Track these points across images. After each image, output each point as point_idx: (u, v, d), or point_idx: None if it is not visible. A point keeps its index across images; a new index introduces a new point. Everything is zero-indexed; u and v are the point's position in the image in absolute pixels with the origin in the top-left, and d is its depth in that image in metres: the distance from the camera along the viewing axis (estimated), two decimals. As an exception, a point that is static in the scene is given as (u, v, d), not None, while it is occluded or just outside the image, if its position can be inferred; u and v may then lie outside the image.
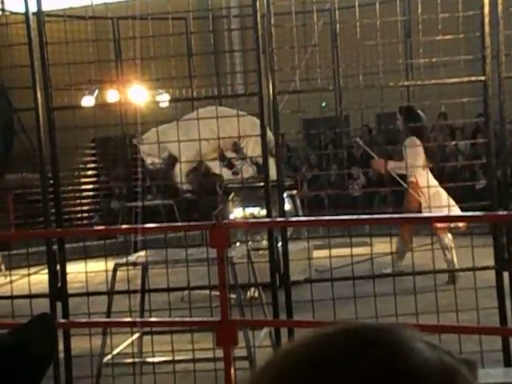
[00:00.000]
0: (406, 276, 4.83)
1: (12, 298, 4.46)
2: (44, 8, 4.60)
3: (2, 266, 8.49)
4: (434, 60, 5.02)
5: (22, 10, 4.73)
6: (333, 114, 10.72)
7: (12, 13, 12.57)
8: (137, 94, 9.40)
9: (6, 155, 11.38)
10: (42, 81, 4.53)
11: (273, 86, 4.51)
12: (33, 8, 4.56)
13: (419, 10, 4.81)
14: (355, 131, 13.14)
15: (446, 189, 6.75)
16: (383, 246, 5.90)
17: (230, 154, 9.34)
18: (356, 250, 4.54)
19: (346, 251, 4.55)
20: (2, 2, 14.70)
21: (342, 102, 10.65)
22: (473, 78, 4.66)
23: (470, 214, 4.68)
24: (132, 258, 4.84)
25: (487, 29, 4.48)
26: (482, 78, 4.53)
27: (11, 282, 4.63)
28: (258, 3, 4.42)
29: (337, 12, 8.27)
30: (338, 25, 9.49)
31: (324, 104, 9.50)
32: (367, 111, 10.47)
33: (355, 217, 4.37)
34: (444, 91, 5.60)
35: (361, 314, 4.07)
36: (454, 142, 11.33)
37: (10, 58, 6.19)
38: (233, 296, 4.20)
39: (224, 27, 12.88)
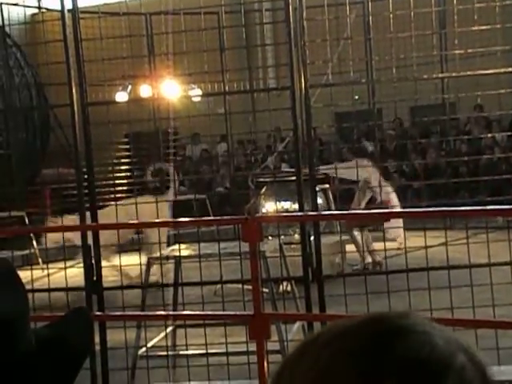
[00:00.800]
0: (440, 270, 4.77)
1: (49, 290, 4.55)
2: (79, 5, 4.66)
3: (39, 260, 8.66)
4: (469, 51, 4.94)
5: (58, 7, 4.80)
6: (365, 108, 10.61)
7: (48, 10, 12.76)
8: (169, 88, 9.46)
9: (43, 151, 11.58)
10: (77, 77, 4.59)
11: (305, 79, 4.49)
12: (68, 5, 4.62)
13: (454, 1, 4.73)
14: (388, 124, 13.01)
15: (478, 182, 6.81)
16: (417, 240, 5.84)
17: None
18: (389, 244, 4.50)
19: (378, 245, 4.52)
20: (39, 0, 14.94)
21: (375, 95, 10.54)
22: (510, 69, 4.57)
23: (507, 207, 4.59)
24: (165, 252, 4.88)
25: (524, 18, 4.39)
26: (520, 69, 4.44)
27: (48, 275, 4.72)
28: (289, -4, 4.40)
29: (370, 4, 8.19)
30: (370, 17, 9.38)
31: (357, 97, 9.42)
32: (400, 104, 10.34)
33: (387, 210, 4.34)
34: (480, 83, 5.50)
35: (394, 309, 4.03)
36: (490, 135, 11.12)
37: (45, 54, 6.29)
38: (265, 290, 4.21)
39: (256, 21, 12.87)
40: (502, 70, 4.55)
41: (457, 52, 4.97)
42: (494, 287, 4.26)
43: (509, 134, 10.08)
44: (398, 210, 6.83)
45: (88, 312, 1.12)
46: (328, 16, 5.10)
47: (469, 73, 4.89)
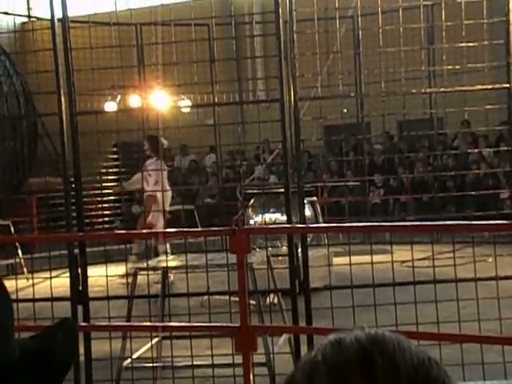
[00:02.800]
0: (427, 284, 4.78)
1: (34, 300, 4.51)
2: (69, 14, 4.66)
3: (25, 269, 8.59)
4: (457, 67, 4.99)
5: (48, 17, 4.79)
6: (354, 121, 10.68)
7: (38, 18, 12.75)
8: (159, 99, 9.46)
9: (30, 159, 11.52)
10: (66, 86, 4.58)
11: (294, 92, 4.51)
12: (58, 14, 4.62)
13: (443, 17, 4.78)
14: (376, 138, 13.08)
15: (465, 197, 6.80)
16: (404, 254, 5.86)
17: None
18: (376, 258, 4.51)
19: (365, 258, 4.52)
20: (28, 9, 14.93)
21: (364, 108, 10.61)
22: (497, 86, 4.62)
23: (493, 222, 4.63)
24: (152, 262, 4.86)
25: (512, 36, 4.44)
26: (507, 86, 4.49)
27: (33, 284, 4.68)
28: (280, 10, 4.43)
29: (359, 19, 8.25)
30: (360, 31, 9.47)
31: (346, 110, 9.48)
32: (389, 118, 10.42)
33: (375, 224, 4.35)
34: (467, 98, 5.56)
35: (381, 322, 4.04)
36: (477, 150, 11.21)
37: (35, 63, 6.28)
38: (252, 302, 4.19)
39: (246, 33, 12.93)
40: (490, 87, 4.60)
41: (445, 68, 5.03)
42: (480, 302, 4.28)
43: (495, 149, 10.18)
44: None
45: (73, 324, 1.11)
46: (318, 30, 5.13)
47: (456, 88, 4.94)
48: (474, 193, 6.65)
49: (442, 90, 5.64)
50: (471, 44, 4.79)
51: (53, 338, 1.00)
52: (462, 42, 4.76)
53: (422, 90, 6.45)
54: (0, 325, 0.90)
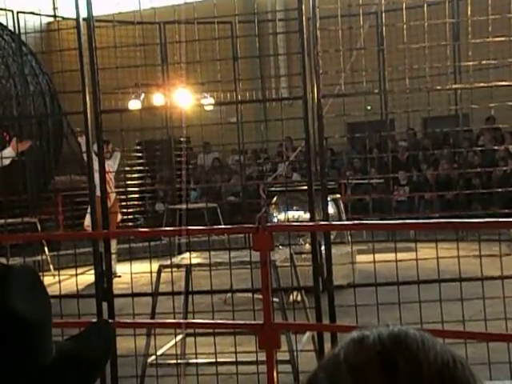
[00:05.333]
0: (452, 282, 4.73)
1: (60, 297, 4.56)
2: (94, 14, 4.70)
3: (51, 266, 8.70)
4: (483, 62, 4.92)
5: (73, 16, 4.84)
6: (378, 118, 10.60)
7: (63, 18, 12.89)
8: (182, 97, 9.51)
9: (56, 158, 11.66)
10: (91, 85, 4.62)
11: (317, 89, 4.49)
12: (83, 14, 4.66)
13: (469, 12, 4.72)
14: (400, 135, 12.97)
15: (491, 194, 6.69)
16: (428, 252, 5.80)
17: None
18: (400, 255, 4.48)
19: (390, 256, 4.49)
20: (54, 9, 15.09)
21: (388, 105, 10.53)
22: (523, 81, 4.55)
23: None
24: (176, 259, 4.89)
25: (539, 30, 4.37)
26: (533, 81, 4.42)
27: (59, 281, 4.73)
28: (303, 7, 4.42)
29: (383, 14, 8.19)
30: (384, 27, 9.40)
31: (369, 107, 9.42)
32: (413, 115, 10.32)
33: (399, 221, 4.31)
34: (493, 94, 5.48)
35: (405, 320, 4.01)
36: (503, 147, 11.06)
37: (60, 62, 6.35)
38: (275, 299, 4.19)
39: (269, 31, 12.91)
40: (516, 82, 4.53)
41: (470, 63, 4.96)
42: (507, 300, 4.22)
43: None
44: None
45: (110, 327, 1.11)
46: (341, 26, 5.11)
47: (482, 84, 4.87)
48: (500, 190, 6.55)
49: (467, 86, 5.57)
50: (497, 39, 4.72)
51: (89, 340, 1.01)
52: (487, 38, 4.70)
53: (447, 87, 6.39)
54: (39, 323, 0.91)
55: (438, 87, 5.36)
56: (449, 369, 0.66)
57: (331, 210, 7.30)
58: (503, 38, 4.77)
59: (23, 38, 11.18)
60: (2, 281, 0.90)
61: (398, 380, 0.64)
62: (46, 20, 13.86)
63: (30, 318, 0.89)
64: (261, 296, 3.60)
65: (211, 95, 10.36)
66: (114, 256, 8.62)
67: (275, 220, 7.70)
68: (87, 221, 8.05)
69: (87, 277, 5.21)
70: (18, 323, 0.88)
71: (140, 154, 12.15)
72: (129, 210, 11.67)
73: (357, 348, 0.68)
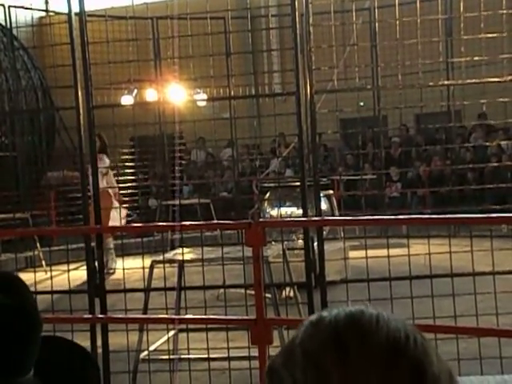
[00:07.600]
0: (443, 278, 4.75)
1: (52, 293, 4.56)
2: (86, 8, 4.68)
3: (43, 262, 8.67)
4: (475, 59, 4.93)
5: (65, 11, 4.81)
6: (370, 114, 10.62)
7: (55, 13, 12.82)
8: (175, 93, 9.48)
9: (48, 153, 11.62)
10: (83, 80, 4.61)
11: (310, 85, 4.49)
12: (75, 8, 4.64)
13: (461, 8, 4.73)
14: (393, 131, 13.00)
15: (483, 190, 6.71)
16: (420, 248, 5.82)
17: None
18: (392, 251, 4.49)
19: (382, 252, 4.51)
20: (46, 3, 15.02)
21: (381, 101, 10.55)
22: (515, 78, 4.57)
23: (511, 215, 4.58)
24: (169, 255, 4.88)
25: (531, 27, 4.39)
26: (525, 78, 4.43)
27: (51, 277, 4.72)
28: (296, 2, 4.42)
29: (376, 11, 8.20)
30: (376, 24, 9.41)
31: (362, 103, 9.43)
32: (406, 111, 10.34)
33: (391, 217, 4.33)
34: (485, 90, 5.50)
35: (397, 316, 4.02)
36: (494, 143, 11.11)
37: (52, 57, 6.31)
38: (268, 295, 4.20)
39: (262, 26, 12.90)
40: (508, 78, 4.55)
41: (463, 60, 4.98)
42: (498, 296, 4.24)
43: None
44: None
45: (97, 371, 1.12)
46: (334, 22, 5.10)
47: (474, 80, 4.89)
48: (492, 186, 6.58)
49: (459, 82, 5.58)
50: (490, 35, 4.74)
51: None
52: (480, 34, 4.71)
53: (440, 83, 6.40)
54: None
55: (431, 83, 5.38)
56: (399, 347, 0.64)
57: (324, 205, 7.31)
58: (495, 35, 4.78)
59: (15, 32, 11.12)
60: None
61: (349, 362, 0.64)
62: (37, 14, 13.79)
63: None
64: (253, 292, 3.61)
65: (204, 91, 10.35)
66: (112, 252, 8.59)
67: (268, 216, 7.70)
68: (112, 221, 7.76)
69: (79, 273, 5.20)
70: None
71: (133, 150, 12.12)
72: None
73: (312, 331, 0.68)
